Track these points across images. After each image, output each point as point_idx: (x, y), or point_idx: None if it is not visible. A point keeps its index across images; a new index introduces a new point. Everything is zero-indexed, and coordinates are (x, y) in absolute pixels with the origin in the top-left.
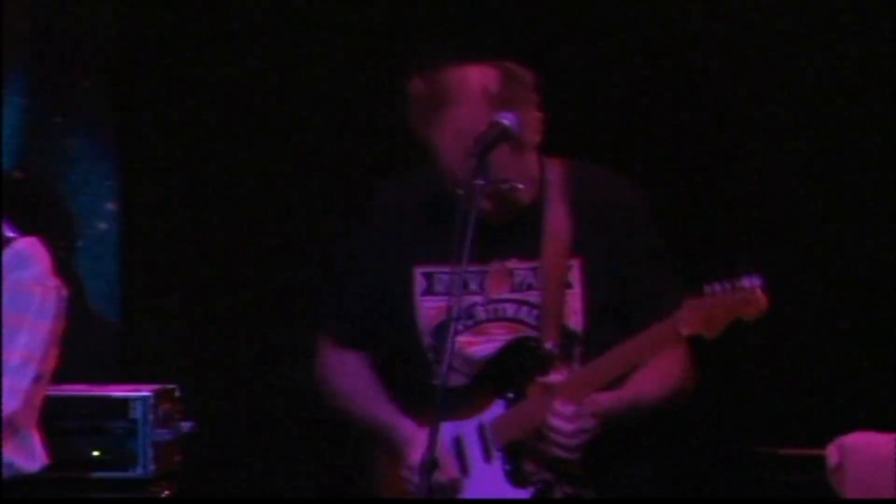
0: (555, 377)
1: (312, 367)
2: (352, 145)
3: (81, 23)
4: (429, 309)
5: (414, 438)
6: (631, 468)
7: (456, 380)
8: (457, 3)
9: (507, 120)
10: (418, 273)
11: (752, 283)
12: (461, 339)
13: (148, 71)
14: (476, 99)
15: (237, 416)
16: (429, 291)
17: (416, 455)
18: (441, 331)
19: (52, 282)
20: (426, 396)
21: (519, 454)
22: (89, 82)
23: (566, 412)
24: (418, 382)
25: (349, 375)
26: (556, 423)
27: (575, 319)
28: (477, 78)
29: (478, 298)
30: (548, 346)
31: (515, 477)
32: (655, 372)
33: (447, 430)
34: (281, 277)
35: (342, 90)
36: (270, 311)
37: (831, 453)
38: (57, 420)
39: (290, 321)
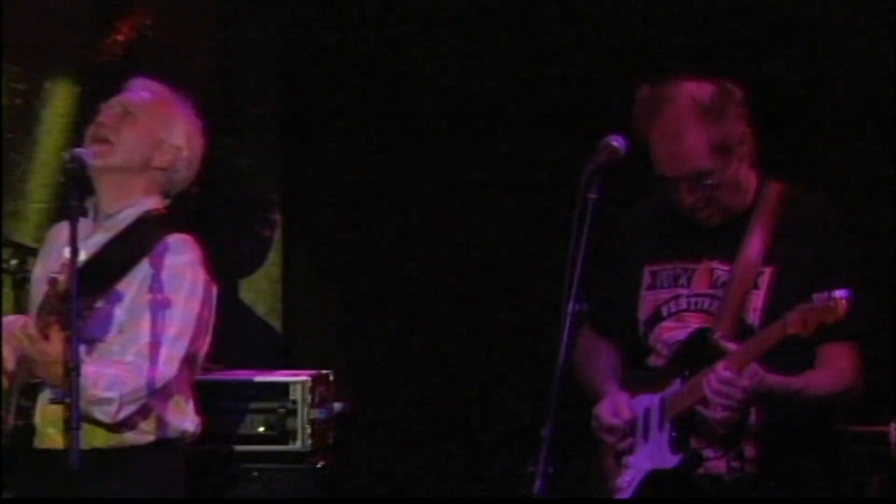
0: (730, 346)
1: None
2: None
3: (251, 51)
4: (647, 301)
5: (609, 397)
6: (798, 459)
7: (657, 361)
8: (686, 22)
9: (616, 142)
10: (646, 270)
11: (839, 294)
12: (666, 324)
13: (311, 98)
14: (686, 107)
15: (386, 400)
16: (651, 285)
17: (604, 406)
18: (650, 320)
19: (202, 271)
20: (636, 378)
21: (685, 425)
22: (257, 108)
23: (724, 375)
24: (634, 364)
25: (595, 357)
26: (712, 383)
27: (753, 315)
28: (691, 90)
29: (683, 291)
30: (718, 335)
31: (676, 444)
32: (829, 370)
33: (643, 401)
34: (425, 282)
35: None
36: (415, 309)
37: (893, 430)
38: (229, 400)
39: (431, 316)
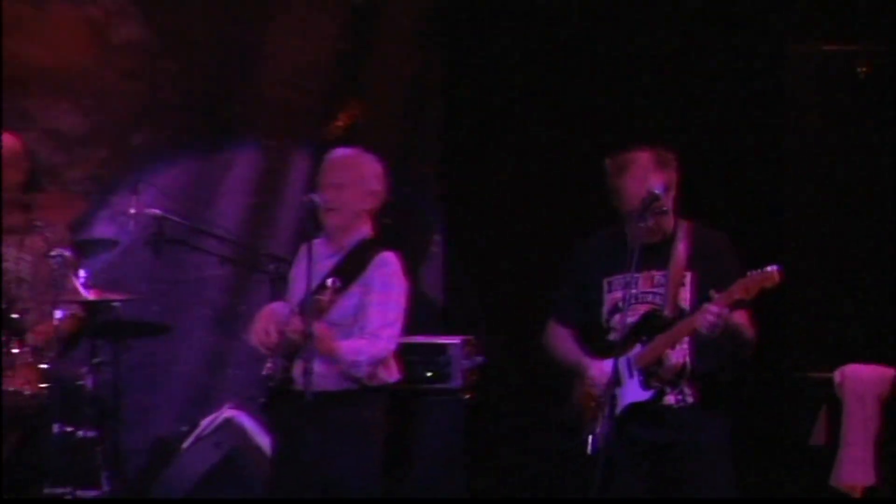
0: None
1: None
2: None
3: (420, 101)
4: (609, 300)
5: (592, 366)
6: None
7: (615, 337)
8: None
9: (657, 189)
10: (605, 281)
11: (773, 268)
12: (626, 314)
13: (469, 139)
14: (648, 161)
15: (512, 357)
16: (608, 290)
17: (592, 372)
18: (611, 312)
19: (403, 276)
20: (601, 347)
21: (649, 373)
22: (422, 145)
23: (715, 309)
24: (598, 340)
25: (561, 339)
26: (707, 316)
27: (684, 302)
28: (648, 153)
29: (633, 291)
30: (666, 313)
31: (646, 384)
32: (746, 320)
33: (612, 363)
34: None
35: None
36: (536, 300)
37: (836, 376)
38: (411, 355)
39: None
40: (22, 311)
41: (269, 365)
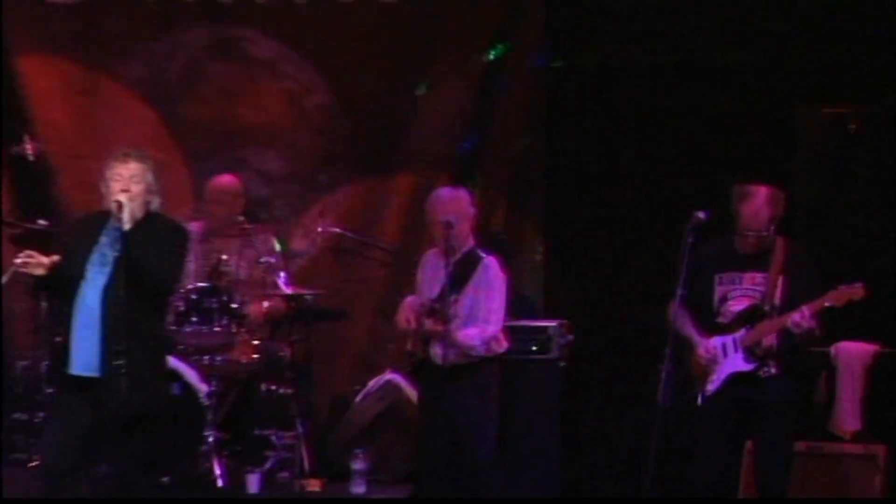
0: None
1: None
2: None
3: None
4: (719, 292)
5: (703, 342)
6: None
7: (723, 320)
8: None
9: (702, 215)
10: (716, 276)
11: (858, 284)
12: (729, 302)
13: (568, 167)
14: (764, 197)
15: (595, 336)
16: (719, 284)
17: (703, 345)
18: (721, 300)
19: (505, 275)
20: (711, 327)
21: (750, 351)
22: (527, 174)
23: (806, 314)
24: (708, 322)
25: (681, 318)
26: (797, 318)
27: (777, 300)
28: (766, 189)
29: (738, 286)
30: (766, 308)
31: (748, 359)
32: (817, 322)
33: (717, 340)
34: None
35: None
36: (633, 294)
37: (832, 350)
38: (520, 334)
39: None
40: (241, 302)
41: (409, 344)
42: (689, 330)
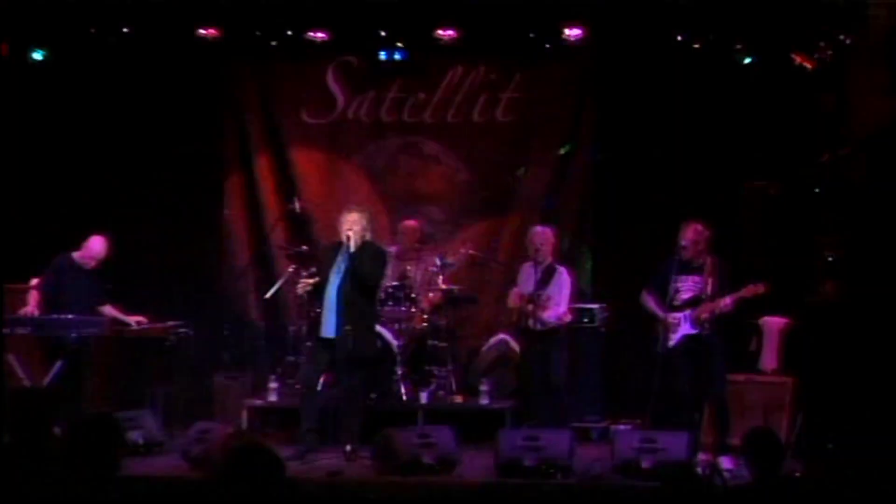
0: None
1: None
2: None
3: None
4: (673, 285)
5: (668, 315)
6: None
7: (678, 302)
8: None
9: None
10: (672, 276)
11: (762, 284)
12: (682, 294)
13: (608, 215)
14: (695, 232)
15: (624, 316)
16: (674, 281)
17: (667, 319)
18: (675, 291)
19: (571, 279)
20: (669, 308)
21: (695, 321)
22: (578, 206)
23: (728, 302)
24: (667, 304)
25: (650, 300)
26: (725, 304)
27: (708, 291)
28: (690, 226)
29: (686, 284)
30: (703, 297)
31: (693, 326)
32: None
33: (678, 315)
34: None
35: None
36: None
37: (761, 321)
38: (575, 312)
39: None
40: (415, 293)
41: (515, 317)
42: (654, 308)
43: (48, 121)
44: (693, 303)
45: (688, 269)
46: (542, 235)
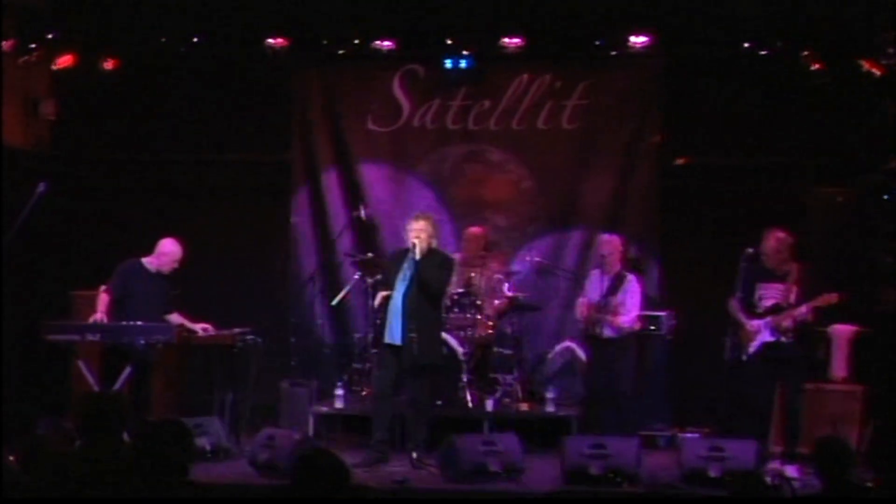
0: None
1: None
2: None
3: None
4: (758, 292)
5: (749, 322)
6: None
7: (761, 310)
8: None
9: (750, 250)
10: (756, 283)
11: (834, 294)
12: (764, 301)
13: (675, 221)
14: (777, 241)
15: (692, 323)
16: (759, 289)
17: (749, 325)
18: (759, 298)
19: (640, 287)
20: (753, 314)
21: (775, 329)
22: (645, 221)
23: (804, 310)
24: (751, 310)
25: (735, 307)
26: (803, 312)
27: (791, 300)
28: (778, 234)
29: (769, 291)
30: (784, 304)
31: (773, 334)
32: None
33: (756, 321)
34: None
35: None
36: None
37: (829, 329)
38: (642, 319)
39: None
40: (481, 301)
41: (583, 325)
42: (739, 314)
43: (118, 130)
44: (774, 310)
45: (772, 276)
46: (610, 244)
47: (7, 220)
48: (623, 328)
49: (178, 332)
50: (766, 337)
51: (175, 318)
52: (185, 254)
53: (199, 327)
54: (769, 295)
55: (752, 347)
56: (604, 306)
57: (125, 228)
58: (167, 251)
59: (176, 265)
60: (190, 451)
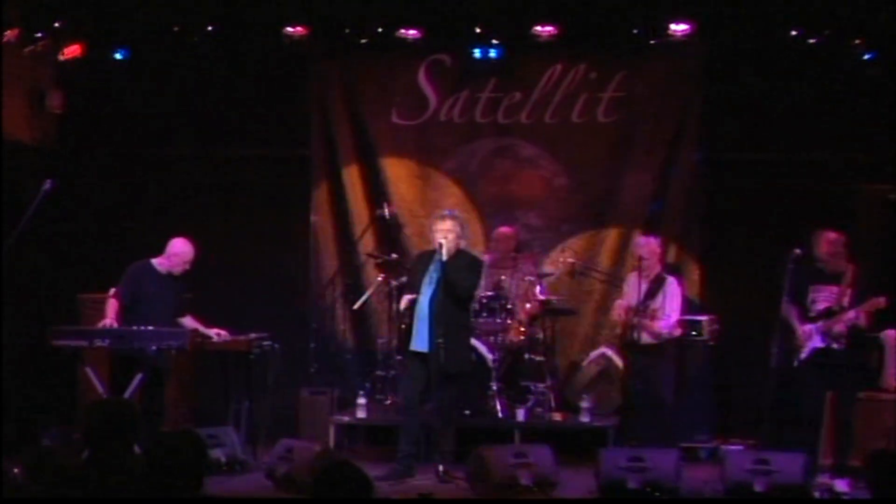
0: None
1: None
2: None
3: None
4: (811, 295)
5: (801, 327)
6: None
7: (813, 314)
8: None
9: (798, 251)
10: (810, 286)
11: (882, 297)
12: (816, 305)
13: (716, 221)
14: (835, 240)
15: (733, 328)
16: (811, 291)
17: (801, 330)
18: (812, 301)
19: (680, 290)
20: (805, 318)
21: (826, 334)
22: (688, 217)
23: (855, 314)
24: (804, 314)
25: (788, 310)
26: (855, 316)
27: (845, 303)
28: (832, 235)
29: (823, 293)
30: (837, 308)
31: (823, 340)
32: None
33: (809, 326)
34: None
35: None
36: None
37: (881, 335)
38: (683, 324)
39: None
40: (511, 304)
41: (619, 329)
42: (793, 318)
43: (128, 124)
44: (827, 314)
45: (825, 278)
46: (647, 247)
47: (11, 218)
48: (662, 334)
49: (192, 338)
50: (818, 343)
51: (188, 322)
52: (198, 254)
53: (213, 332)
54: (822, 298)
55: (803, 353)
56: (642, 310)
57: (135, 228)
58: (177, 251)
59: (187, 266)
60: (204, 464)
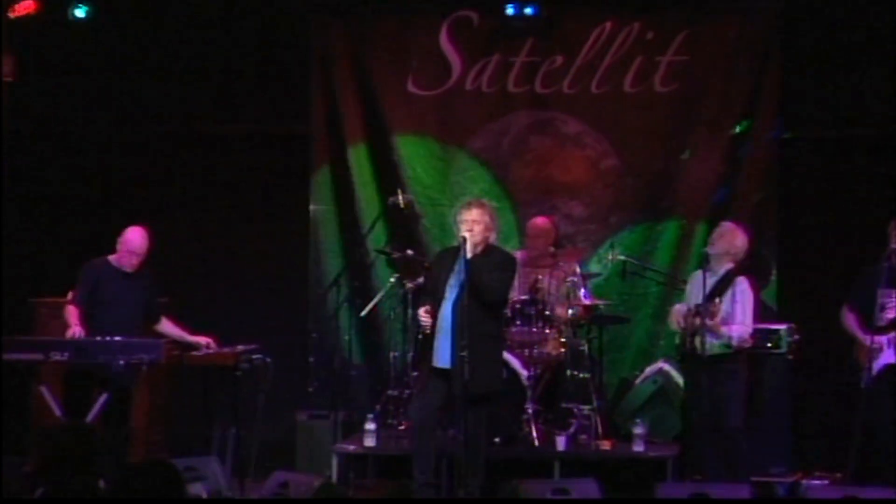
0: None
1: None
2: None
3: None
4: (879, 301)
5: (867, 339)
6: None
7: (881, 322)
8: None
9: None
10: (878, 290)
11: None
12: (886, 312)
13: (796, 209)
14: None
15: (817, 339)
16: (880, 296)
17: (867, 343)
18: (881, 308)
19: (752, 291)
20: (872, 328)
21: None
22: (760, 195)
23: None
24: (870, 324)
25: (849, 319)
26: None
27: None
28: None
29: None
30: None
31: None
32: None
33: (880, 338)
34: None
35: None
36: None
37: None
38: (760, 334)
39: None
40: (550, 310)
41: (677, 340)
42: (855, 329)
43: (90, 95)
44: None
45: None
46: (731, 234)
47: None
48: (732, 340)
49: (168, 350)
50: (891, 357)
51: (168, 328)
52: (178, 252)
53: (200, 341)
54: (894, 304)
55: (874, 370)
56: (703, 310)
57: (101, 220)
58: (126, 239)
59: (136, 260)
60: (181, 501)
